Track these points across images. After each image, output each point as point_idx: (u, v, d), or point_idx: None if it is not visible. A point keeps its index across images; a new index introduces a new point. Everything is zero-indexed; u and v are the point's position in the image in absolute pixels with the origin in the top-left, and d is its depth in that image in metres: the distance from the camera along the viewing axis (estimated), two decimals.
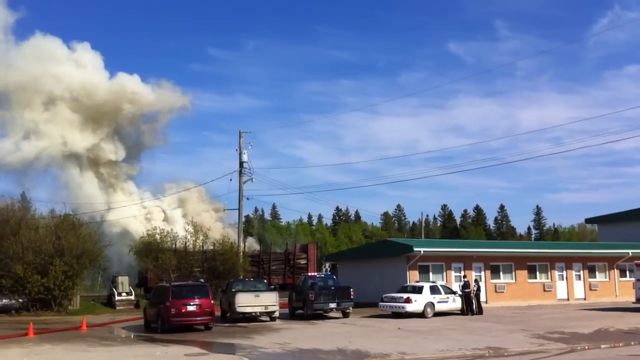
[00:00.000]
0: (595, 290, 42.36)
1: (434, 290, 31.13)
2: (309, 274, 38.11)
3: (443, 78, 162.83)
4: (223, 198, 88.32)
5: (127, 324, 29.00)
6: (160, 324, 24.73)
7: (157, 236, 41.02)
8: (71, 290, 35.41)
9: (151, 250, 40.62)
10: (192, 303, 24.66)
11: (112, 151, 62.35)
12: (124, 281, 40.71)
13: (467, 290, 31.87)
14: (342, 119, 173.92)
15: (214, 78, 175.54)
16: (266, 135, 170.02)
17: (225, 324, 27.76)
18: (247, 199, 44.86)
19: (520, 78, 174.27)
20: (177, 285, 26.85)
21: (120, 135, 64.00)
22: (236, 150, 44.47)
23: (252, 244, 51.03)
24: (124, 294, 39.52)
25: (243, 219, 48.09)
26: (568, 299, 41.16)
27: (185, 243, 41.68)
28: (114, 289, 39.93)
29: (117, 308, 37.95)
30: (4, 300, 34.65)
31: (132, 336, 24.21)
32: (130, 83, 63.17)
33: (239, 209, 44.62)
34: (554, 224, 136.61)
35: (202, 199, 61.57)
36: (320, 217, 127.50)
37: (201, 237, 42.24)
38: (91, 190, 59.19)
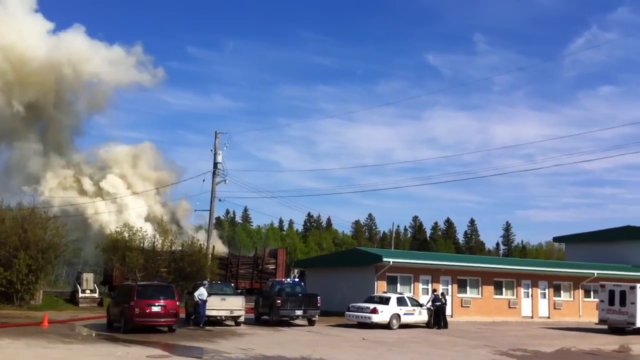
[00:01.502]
0: (560, 309, 42.79)
1: (401, 302, 31.20)
2: (277, 279, 37.96)
3: (421, 89, 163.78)
4: (195, 198, 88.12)
5: (90, 322, 28.62)
6: (123, 324, 24.41)
7: (126, 234, 40.52)
8: (34, 284, 34.82)
9: (119, 248, 40.11)
10: (157, 304, 24.41)
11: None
12: (88, 278, 40.15)
13: (437, 304, 31.96)
14: (318, 125, 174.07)
15: (191, 77, 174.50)
16: (242, 138, 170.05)
17: (190, 327, 27.50)
18: (220, 200, 44.62)
19: (496, 93, 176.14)
20: (143, 284, 26.56)
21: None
22: (211, 150, 44.18)
23: (220, 249, 50.59)
24: (87, 291, 38.97)
25: (214, 221, 47.78)
26: (532, 317, 41.52)
27: (154, 242, 41.24)
28: (78, 286, 39.35)
29: (80, 305, 37.41)
30: None
31: (93, 334, 23.90)
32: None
33: (210, 210, 44.35)
34: (522, 241, 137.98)
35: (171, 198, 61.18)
36: (291, 223, 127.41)
37: (170, 238, 41.85)
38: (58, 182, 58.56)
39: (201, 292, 27.92)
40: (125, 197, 58.42)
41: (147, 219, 56.57)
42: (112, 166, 60.88)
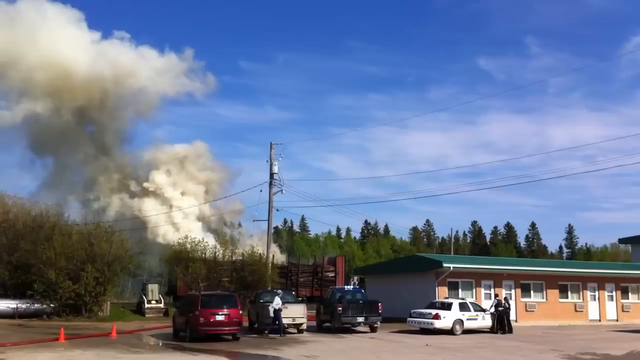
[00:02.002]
0: (628, 311, 41.60)
1: (463, 307, 30.83)
2: (337, 286, 38.01)
3: (473, 94, 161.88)
4: (252, 209, 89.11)
5: (156, 332, 29.22)
6: (188, 333, 24.84)
7: (188, 245, 41.33)
8: (102, 296, 35.83)
9: (181, 259, 40.94)
10: (220, 312, 24.75)
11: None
12: (153, 289, 41.05)
13: (500, 309, 31.49)
14: (371, 133, 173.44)
15: (244, 90, 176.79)
16: (296, 148, 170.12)
17: (253, 335, 27.81)
18: (277, 210, 45.23)
19: (551, 95, 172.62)
20: (206, 294, 26.99)
21: None
22: (267, 161, 44.87)
23: (279, 258, 51.06)
24: (153, 302, 39.83)
25: (272, 231, 48.26)
26: (600, 320, 40.48)
27: (215, 253, 41.91)
28: (144, 297, 40.27)
29: (147, 315, 38.25)
30: (35, 305, 35.14)
31: (160, 344, 24.38)
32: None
33: (268, 220, 44.92)
34: (586, 243, 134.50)
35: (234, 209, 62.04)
36: (348, 231, 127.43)
37: (230, 248, 42.47)
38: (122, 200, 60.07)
39: (277, 302, 28.06)
40: (176, 199, 59.74)
41: (199, 218, 57.56)
42: (161, 167, 62.24)
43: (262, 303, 28.98)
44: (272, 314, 27.66)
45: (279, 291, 30.51)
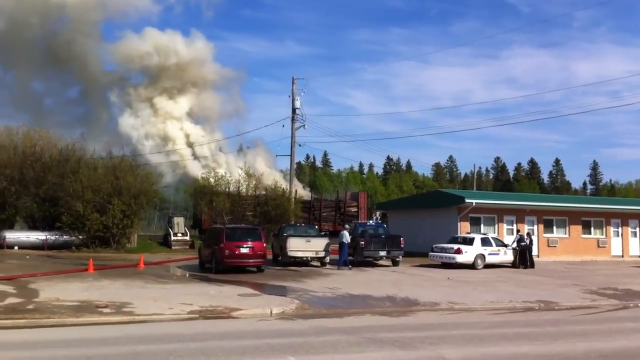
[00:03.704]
0: None
1: (485, 242, 31.00)
2: (360, 221, 38.28)
3: (497, 28, 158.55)
4: (275, 144, 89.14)
5: (182, 264, 29.86)
6: (214, 265, 25.36)
7: (212, 180, 41.71)
8: (129, 229, 36.50)
9: (205, 193, 41.40)
10: (245, 245, 25.16)
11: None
12: (179, 222, 41.76)
13: (522, 244, 31.61)
14: (392, 68, 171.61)
15: (264, 24, 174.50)
16: (317, 83, 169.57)
17: (277, 267, 28.30)
18: (300, 145, 45.30)
19: (576, 29, 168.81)
20: (231, 227, 27.42)
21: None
22: (289, 96, 44.73)
23: (301, 194, 51.38)
24: (179, 235, 40.56)
25: (295, 166, 48.44)
26: (622, 256, 40.54)
27: (239, 187, 42.27)
28: (170, 229, 40.99)
29: (173, 248, 39.00)
30: (64, 237, 35.97)
31: (187, 275, 24.92)
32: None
33: (290, 155, 45.02)
34: (610, 180, 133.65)
35: (255, 145, 62.24)
36: (371, 166, 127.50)
37: (254, 182, 42.77)
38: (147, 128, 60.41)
39: (345, 235, 29.24)
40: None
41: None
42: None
43: (286, 237, 29.40)
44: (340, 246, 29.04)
45: (347, 226, 31.70)
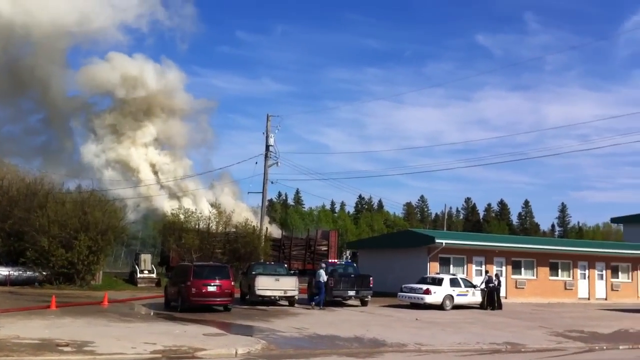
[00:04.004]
0: (617, 290, 41.97)
1: (454, 282, 31.07)
2: (330, 260, 38.19)
3: (470, 70, 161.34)
4: (247, 181, 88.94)
5: (148, 302, 29.35)
6: (180, 303, 24.96)
7: (182, 216, 41.36)
8: (95, 265, 35.80)
9: (175, 230, 40.99)
10: (212, 284, 24.87)
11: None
12: (146, 259, 41.18)
13: (490, 285, 31.75)
14: (367, 107, 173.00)
15: (241, 61, 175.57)
16: (292, 121, 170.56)
17: (245, 306, 27.97)
18: (272, 182, 45.21)
19: (548, 73, 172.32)
20: (199, 265, 27.12)
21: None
22: (263, 133, 44.73)
23: (272, 231, 51.04)
24: (145, 272, 39.96)
25: (266, 203, 48.30)
26: (589, 298, 40.84)
27: (209, 224, 41.95)
28: (137, 267, 40.38)
29: (139, 285, 38.38)
30: (28, 273, 35.18)
31: (152, 313, 24.50)
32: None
33: (262, 192, 44.87)
34: (578, 222, 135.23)
35: (225, 181, 61.91)
36: (342, 205, 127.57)
37: (224, 219, 42.48)
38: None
39: (321, 274, 29.06)
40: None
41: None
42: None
43: (254, 275, 29.15)
44: (316, 286, 29.03)
45: (323, 264, 31.41)
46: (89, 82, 59.49)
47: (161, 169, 60.71)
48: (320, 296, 28.68)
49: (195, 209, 43.98)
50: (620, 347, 19.67)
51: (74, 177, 51.38)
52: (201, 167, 64.44)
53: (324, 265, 31.20)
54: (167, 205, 53.76)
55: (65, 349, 14.49)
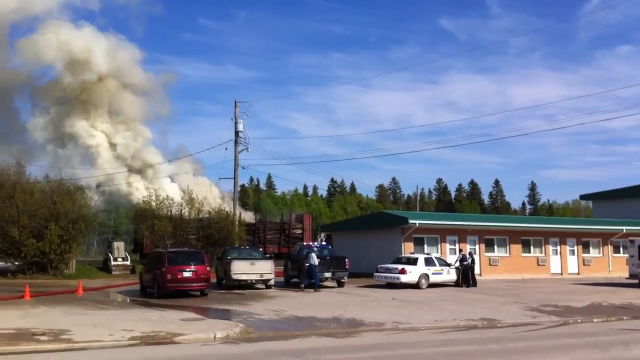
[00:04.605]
0: (589, 265, 42.68)
1: (429, 262, 31.30)
2: (305, 243, 38.22)
3: (435, 54, 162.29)
4: (217, 167, 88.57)
5: (123, 289, 29.12)
6: (156, 289, 24.82)
7: (153, 203, 41.00)
8: (67, 254, 35.46)
9: (147, 217, 40.65)
10: (187, 269, 24.77)
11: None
12: (119, 246, 40.78)
13: (465, 263, 32.05)
14: (334, 92, 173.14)
15: (205, 48, 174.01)
16: (259, 107, 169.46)
17: (221, 291, 27.90)
18: (243, 168, 44.95)
19: (512, 55, 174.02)
20: (173, 251, 26.98)
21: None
22: (232, 119, 44.41)
23: (246, 217, 50.63)
24: (119, 259, 39.56)
25: (238, 189, 48.06)
26: (562, 274, 41.46)
27: (181, 210, 41.64)
28: (110, 254, 39.97)
29: (113, 273, 38.03)
30: (0, 263, 34.72)
31: (128, 300, 24.32)
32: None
33: (234, 178, 44.63)
34: (548, 200, 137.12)
35: (195, 168, 61.30)
36: (315, 188, 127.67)
37: (197, 206, 42.19)
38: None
39: (312, 258, 28.98)
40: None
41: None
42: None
43: (230, 260, 29.07)
44: (308, 269, 29.00)
45: (314, 247, 31.51)
46: (33, 54, 56.84)
47: (118, 143, 59.15)
48: (315, 280, 28.78)
49: (167, 196, 43.59)
50: (594, 319, 19.98)
51: (27, 157, 50.02)
52: (159, 142, 62.94)
53: (315, 248, 31.27)
54: (127, 181, 52.75)
55: (42, 337, 14.33)
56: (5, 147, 52.85)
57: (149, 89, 63.24)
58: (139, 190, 54.80)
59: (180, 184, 56.27)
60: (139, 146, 59.47)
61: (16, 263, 34.57)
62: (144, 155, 59.33)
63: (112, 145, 59.42)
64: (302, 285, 28.87)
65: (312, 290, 28.22)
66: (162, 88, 65.02)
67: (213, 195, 56.74)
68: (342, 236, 43.86)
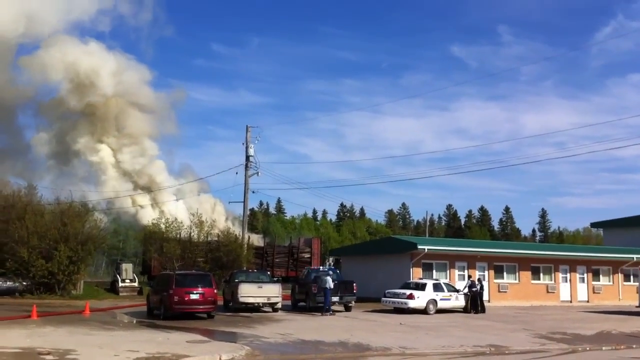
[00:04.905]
0: (599, 293, 42.31)
1: (437, 287, 31.13)
2: (313, 267, 38.14)
3: (446, 81, 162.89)
4: (228, 191, 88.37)
5: (130, 310, 29.10)
6: (162, 311, 24.78)
7: (162, 225, 41.11)
8: (75, 275, 35.50)
9: (156, 239, 40.75)
10: (195, 291, 24.70)
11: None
12: (127, 268, 40.89)
13: (473, 289, 31.85)
14: (345, 118, 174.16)
15: (218, 74, 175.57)
16: (271, 132, 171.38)
17: (228, 314, 27.81)
18: (253, 192, 45.07)
19: (523, 83, 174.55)
20: (181, 273, 26.94)
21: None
22: (242, 144, 44.62)
23: (254, 240, 50.55)
24: (127, 281, 39.65)
25: (248, 212, 48.17)
26: (571, 301, 41.11)
27: (190, 233, 41.74)
28: (118, 276, 40.06)
29: (120, 294, 38.08)
30: (8, 283, 34.82)
31: (134, 322, 24.28)
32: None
33: (244, 202, 44.73)
34: (558, 227, 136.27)
35: (206, 191, 61.45)
36: (324, 213, 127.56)
37: (205, 229, 42.27)
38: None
39: (327, 281, 28.89)
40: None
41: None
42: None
43: (237, 282, 29.01)
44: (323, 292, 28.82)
45: (330, 272, 31.26)
46: (37, 72, 56.91)
47: (123, 159, 58.99)
48: (326, 303, 28.58)
49: (176, 219, 43.69)
50: (603, 348, 19.76)
51: (31, 175, 50.02)
52: (166, 161, 62.60)
53: (331, 272, 31.16)
54: (133, 199, 52.76)
55: (47, 357, 14.31)
56: (10, 164, 52.93)
57: (156, 108, 63.30)
58: (144, 208, 54.88)
59: (185, 201, 56.28)
60: (145, 162, 59.42)
61: (24, 283, 34.62)
62: (150, 171, 59.33)
63: (118, 162, 59.47)
64: (327, 307, 28.51)
65: (329, 313, 28.08)
66: (171, 107, 65.20)
67: (217, 214, 56.72)
68: (351, 260, 43.74)
